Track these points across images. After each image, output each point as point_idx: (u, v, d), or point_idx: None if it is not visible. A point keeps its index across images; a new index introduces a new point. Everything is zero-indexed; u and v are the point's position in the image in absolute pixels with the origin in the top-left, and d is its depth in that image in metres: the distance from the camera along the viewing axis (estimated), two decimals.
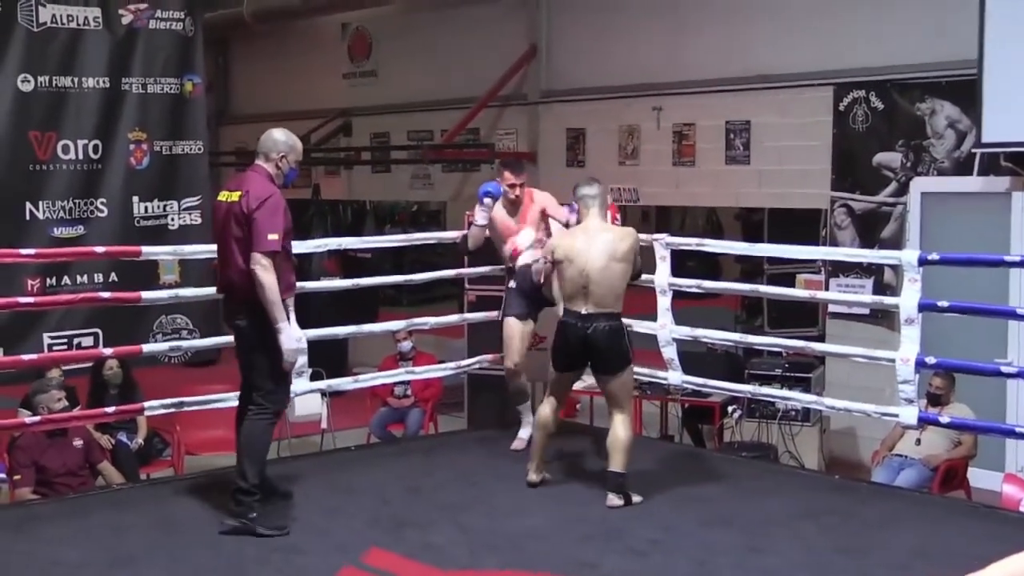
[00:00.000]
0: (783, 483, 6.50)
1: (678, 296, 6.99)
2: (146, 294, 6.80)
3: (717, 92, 9.73)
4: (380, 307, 13.37)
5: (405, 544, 5.29)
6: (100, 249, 7.38)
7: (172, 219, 9.35)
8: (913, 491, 6.90)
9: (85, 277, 8.82)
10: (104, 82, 8.93)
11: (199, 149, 9.58)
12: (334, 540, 5.34)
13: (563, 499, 5.98)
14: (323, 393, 7.36)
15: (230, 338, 5.97)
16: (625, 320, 6.04)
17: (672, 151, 10.11)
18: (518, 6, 11.46)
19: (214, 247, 5.83)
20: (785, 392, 7.62)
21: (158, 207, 9.29)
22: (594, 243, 5.85)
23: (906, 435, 7.39)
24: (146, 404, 6.68)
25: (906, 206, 8.54)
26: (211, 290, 6.35)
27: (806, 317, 10.29)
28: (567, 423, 7.32)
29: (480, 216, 6.98)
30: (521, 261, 6.84)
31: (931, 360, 6.06)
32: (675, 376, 7.07)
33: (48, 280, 8.67)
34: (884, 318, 8.29)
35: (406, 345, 9.26)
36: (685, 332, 6.98)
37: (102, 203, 8.99)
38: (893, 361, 6.06)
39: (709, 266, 12.62)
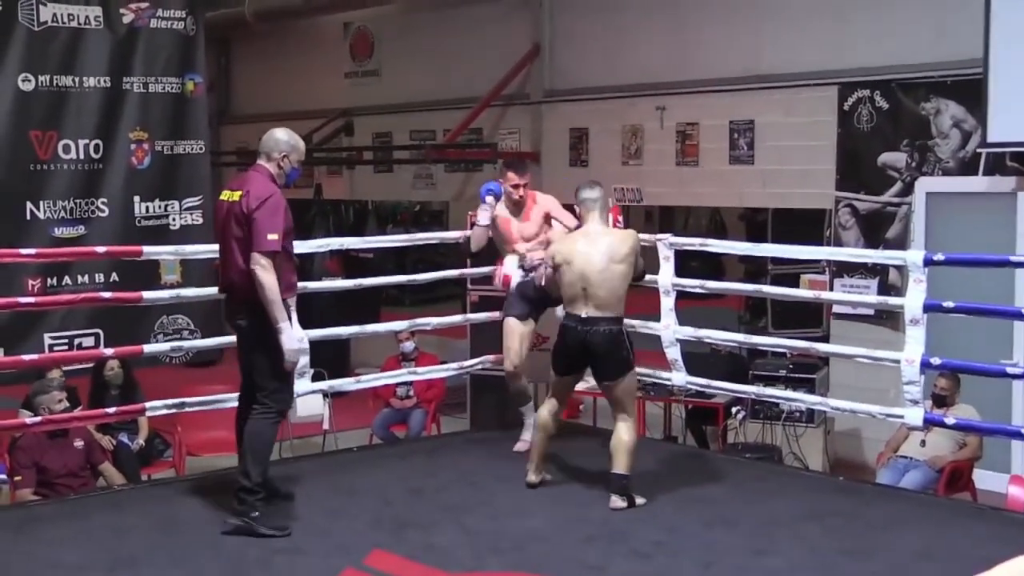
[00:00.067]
0: (787, 485, 6.50)
1: (681, 296, 6.99)
2: (147, 294, 6.80)
3: (721, 91, 9.73)
4: (382, 307, 13.36)
5: (407, 546, 5.30)
6: (101, 249, 7.39)
7: (173, 219, 9.34)
8: (918, 493, 6.90)
9: (86, 277, 8.81)
10: (105, 81, 8.92)
11: (200, 149, 9.57)
12: (336, 541, 5.35)
13: (566, 500, 5.98)
14: (325, 394, 7.36)
15: (232, 338, 5.98)
16: (628, 321, 6.04)
17: (676, 151, 10.11)
18: (521, 5, 11.46)
19: (215, 247, 5.84)
20: (789, 393, 7.62)
21: (159, 207, 9.28)
22: (594, 246, 5.86)
23: (911, 436, 7.39)
24: (147, 405, 6.68)
25: (911, 206, 8.53)
26: (212, 290, 6.36)
27: (810, 318, 10.28)
28: (569, 424, 7.33)
29: (482, 216, 6.98)
30: (515, 280, 6.83)
31: (936, 361, 6.05)
32: (679, 377, 7.07)
33: (49, 280, 8.66)
34: (889, 319, 8.29)
35: (408, 345, 9.26)
36: (689, 333, 6.98)
37: (103, 203, 8.98)
38: (898, 362, 6.05)
39: (713, 266, 12.64)
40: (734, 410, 8.77)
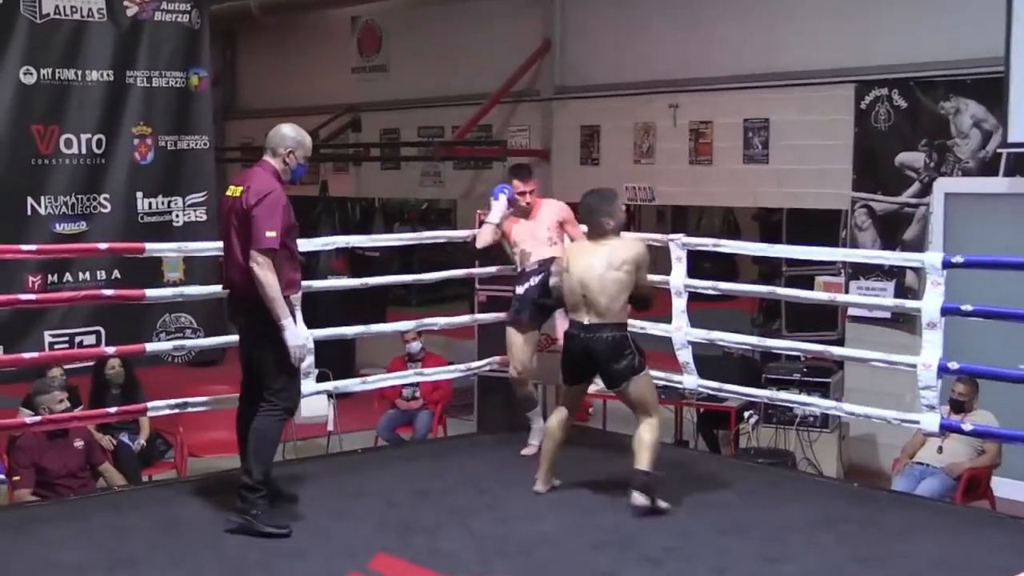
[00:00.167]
0: (801, 491, 6.49)
1: (694, 298, 6.98)
2: (150, 292, 6.80)
3: (735, 89, 9.71)
4: (389, 307, 13.36)
5: (412, 549, 5.30)
6: (103, 246, 7.40)
7: (176, 215, 9.34)
8: (935, 500, 6.88)
9: (87, 274, 8.81)
10: (108, 75, 8.93)
11: (205, 144, 9.57)
12: (340, 544, 5.35)
13: (576, 505, 5.98)
14: (330, 394, 7.37)
15: (235, 337, 5.99)
16: (639, 323, 6.04)
17: (688, 149, 10.09)
18: (532, 0, 11.46)
19: (219, 244, 5.85)
20: (803, 397, 7.61)
21: (162, 203, 9.28)
22: (594, 254, 5.87)
23: (928, 443, 7.37)
24: (149, 404, 6.70)
25: (929, 207, 8.51)
26: (215, 288, 6.36)
27: (825, 320, 10.26)
28: (579, 428, 7.32)
29: (493, 213, 6.98)
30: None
31: (954, 365, 6.03)
32: (690, 380, 7.06)
33: (50, 277, 8.66)
34: (906, 322, 8.26)
35: (415, 346, 9.26)
36: (701, 335, 6.97)
37: (105, 199, 8.97)
38: (914, 366, 6.04)
39: (726, 267, 12.59)
40: (747, 414, 8.75)
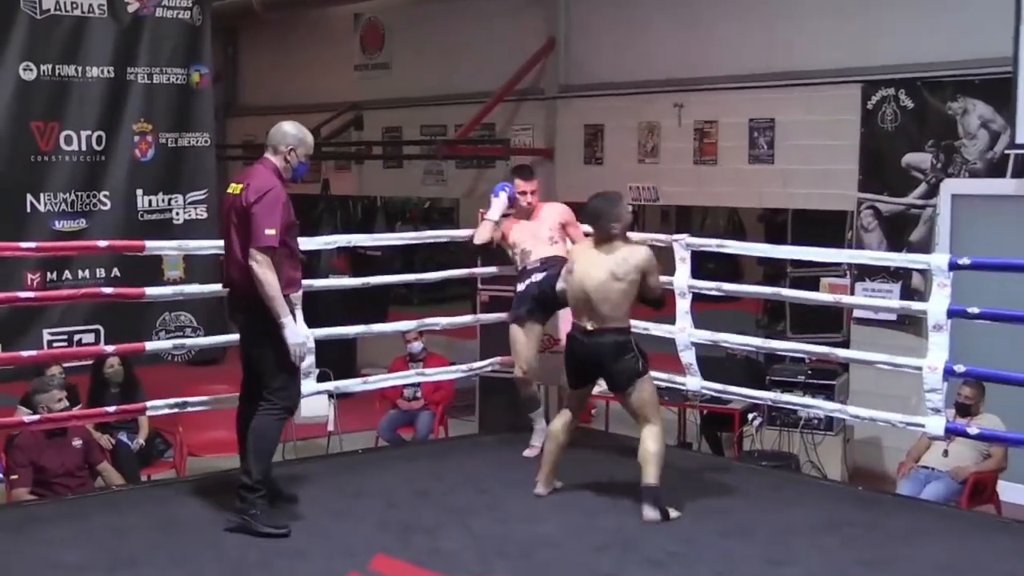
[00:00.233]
0: (805, 494, 6.50)
1: (697, 299, 6.98)
2: (150, 290, 6.81)
3: (740, 88, 9.71)
4: (390, 306, 13.39)
5: (412, 550, 5.31)
6: (103, 243, 7.41)
7: (177, 213, 9.34)
8: (940, 504, 6.88)
9: (87, 272, 8.81)
10: (109, 71, 8.92)
11: (206, 142, 9.56)
12: (339, 544, 5.36)
13: (577, 506, 5.98)
14: (330, 394, 7.38)
15: (235, 336, 6.00)
16: (642, 324, 6.04)
17: (693, 149, 10.09)
18: None
19: (220, 243, 5.86)
20: (807, 400, 7.62)
21: (163, 201, 9.28)
22: (597, 261, 5.83)
23: (933, 446, 7.37)
24: (148, 404, 6.71)
25: (936, 209, 8.51)
26: (216, 287, 6.37)
27: (830, 322, 10.27)
28: (582, 429, 7.32)
29: (493, 210, 6.99)
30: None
31: (960, 368, 6.03)
32: (694, 382, 7.06)
33: (49, 274, 8.66)
34: (911, 324, 8.26)
35: (416, 346, 9.27)
36: (704, 336, 6.97)
37: (105, 196, 8.97)
38: (920, 369, 6.03)
39: (730, 268, 12.63)
40: (750, 416, 8.75)
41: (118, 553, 5.22)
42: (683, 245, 6.94)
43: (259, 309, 5.42)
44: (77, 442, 7.29)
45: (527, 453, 6.90)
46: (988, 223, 8.25)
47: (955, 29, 8.35)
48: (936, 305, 5.98)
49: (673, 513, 5.73)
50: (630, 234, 6.21)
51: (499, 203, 7.01)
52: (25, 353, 7.09)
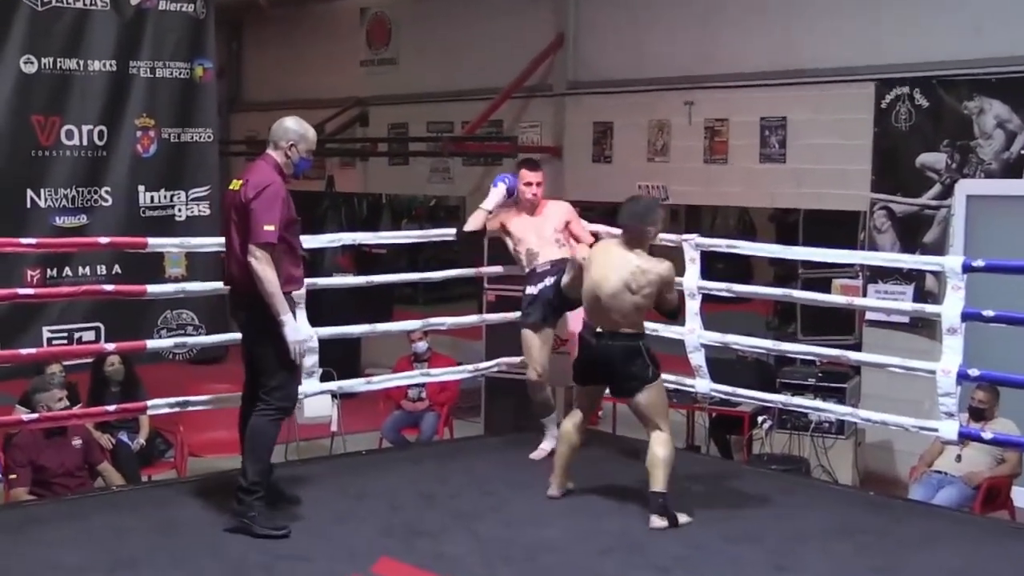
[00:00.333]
0: (815, 498, 6.48)
1: (707, 300, 6.97)
2: (151, 287, 6.81)
3: (752, 87, 9.71)
4: (395, 306, 13.39)
5: (416, 553, 5.30)
6: (104, 240, 7.40)
7: (179, 210, 9.36)
8: (953, 510, 6.87)
9: (88, 269, 8.84)
10: (111, 65, 8.94)
11: (209, 137, 9.58)
12: (342, 547, 5.36)
13: (583, 510, 5.98)
14: (334, 395, 7.37)
15: (236, 335, 6.00)
16: (651, 325, 6.03)
17: (704, 148, 10.09)
18: None
19: (222, 240, 5.86)
20: (818, 403, 7.60)
21: (165, 197, 9.30)
22: (614, 269, 5.78)
23: (946, 451, 7.36)
24: (149, 403, 6.71)
25: (950, 209, 8.50)
26: (218, 284, 6.37)
27: (842, 324, 10.24)
28: (589, 431, 7.31)
29: (489, 200, 6.96)
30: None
31: (974, 372, 6.01)
32: (703, 384, 7.05)
33: (49, 271, 8.68)
34: (925, 327, 8.25)
35: (421, 346, 9.27)
36: (714, 338, 6.97)
37: (106, 192, 8.99)
38: (933, 372, 6.02)
39: (740, 269, 12.58)
40: (760, 419, 8.75)
41: (118, 554, 5.23)
42: (693, 245, 6.93)
43: (259, 306, 5.42)
44: (77, 442, 7.30)
45: (534, 455, 6.90)
46: (1004, 224, 8.23)
47: (971, 27, 8.34)
48: (950, 308, 5.97)
49: (683, 519, 5.72)
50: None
51: (496, 193, 6.99)
52: (24, 351, 7.10)
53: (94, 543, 5.41)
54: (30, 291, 7.55)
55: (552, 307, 6.81)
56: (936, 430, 6.19)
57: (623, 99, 10.76)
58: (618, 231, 6.06)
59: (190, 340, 8.30)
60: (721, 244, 7.29)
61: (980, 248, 7.78)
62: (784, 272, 12.50)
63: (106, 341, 8.46)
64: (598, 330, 5.83)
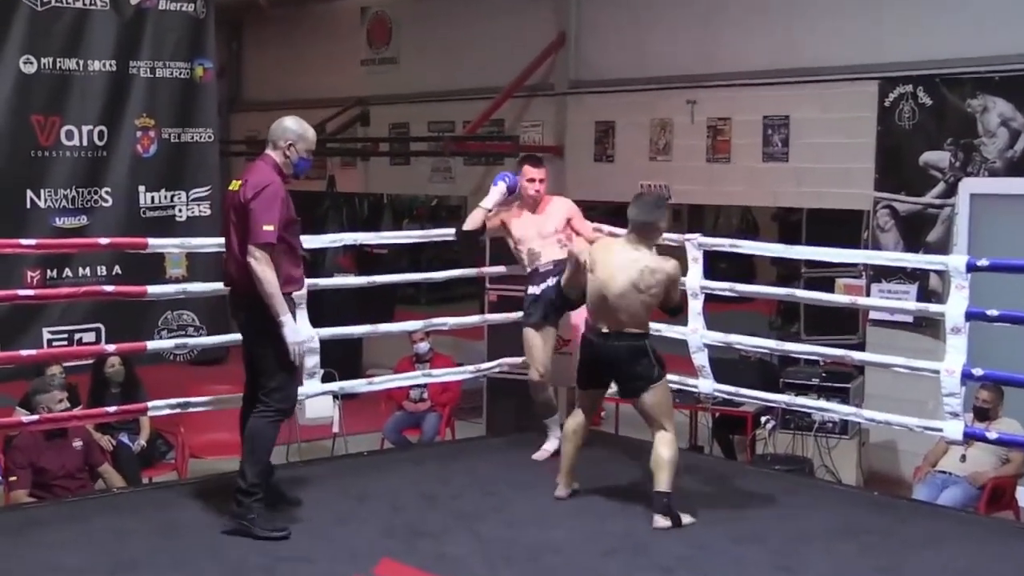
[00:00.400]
0: (819, 499, 6.48)
1: (710, 300, 6.98)
2: (151, 288, 6.82)
3: (754, 85, 9.71)
4: (397, 306, 13.40)
5: (418, 555, 5.31)
6: (104, 240, 7.41)
7: (180, 210, 9.35)
8: (957, 510, 6.87)
9: (88, 270, 8.84)
10: (111, 65, 8.94)
11: (209, 137, 9.58)
12: (344, 549, 5.36)
13: (586, 510, 5.98)
14: (335, 395, 7.38)
15: (237, 336, 6.00)
16: (654, 325, 6.03)
17: (706, 147, 10.09)
18: None
19: (223, 240, 5.86)
20: (822, 403, 7.60)
21: (165, 197, 9.29)
22: (623, 264, 5.78)
23: (950, 451, 7.36)
24: (149, 404, 6.70)
25: (954, 208, 8.49)
26: (219, 285, 6.37)
27: (845, 324, 10.25)
28: (591, 431, 7.32)
29: (489, 199, 6.95)
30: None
31: (978, 372, 6.01)
32: (706, 384, 7.05)
33: (49, 272, 8.68)
34: (929, 327, 8.25)
35: (423, 346, 9.28)
36: (717, 338, 6.97)
37: (107, 192, 8.98)
38: (937, 372, 6.02)
39: (743, 268, 12.60)
40: (763, 420, 8.76)
41: (119, 557, 5.23)
42: (695, 245, 6.94)
43: (259, 307, 5.42)
44: (77, 443, 7.30)
45: (537, 456, 6.90)
46: (1007, 223, 8.23)
47: (975, 25, 8.34)
48: (954, 307, 5.97)
49: (686, 519, 5.72)
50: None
51: (496, 191, 6.97)
52: (24, 352, 7.10)
53: (95, 545, 5.41)
54: (30, 292, 7.55)
55: (554, 307, 6.80)
56: (940, 430, 6.19)
57: (625, 98, 10.76)
58: (621, 231, 6.05)
59: (191, 341, 8.30)
60: (724, 243, 7.29)
61: (984, 247, 7.77)
62: (787, 272, 12.51)
63: (106, 342, 8.46)
64: (603, 330, 5.83)
